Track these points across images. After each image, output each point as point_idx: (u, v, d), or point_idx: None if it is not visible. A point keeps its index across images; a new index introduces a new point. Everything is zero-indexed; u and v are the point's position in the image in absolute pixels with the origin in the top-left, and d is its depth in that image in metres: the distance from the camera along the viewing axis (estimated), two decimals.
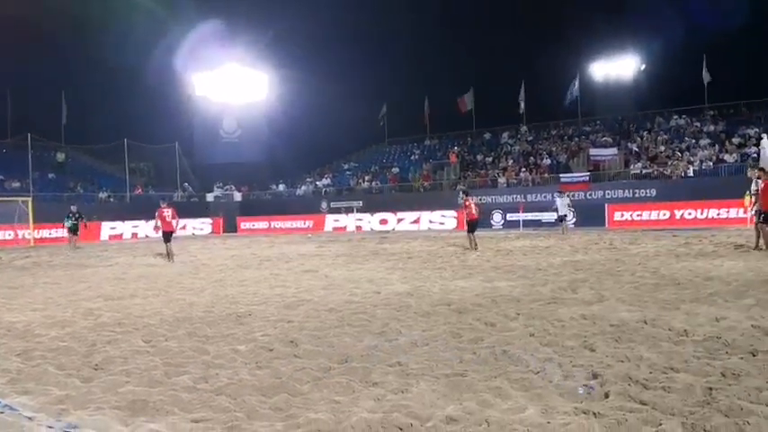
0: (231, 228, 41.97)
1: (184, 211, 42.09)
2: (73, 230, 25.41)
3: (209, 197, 46.46)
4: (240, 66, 49.74)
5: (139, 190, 44.17)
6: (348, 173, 47.78)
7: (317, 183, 46.34)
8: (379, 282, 11.74)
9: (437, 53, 52.48)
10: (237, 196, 47.12)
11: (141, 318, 8.33)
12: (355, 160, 50.17)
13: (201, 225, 41.34)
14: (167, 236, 18.96)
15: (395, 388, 4.84)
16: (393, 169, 45.09)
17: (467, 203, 19.59)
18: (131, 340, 6.93)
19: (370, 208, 38.41)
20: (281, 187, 47.73)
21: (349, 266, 15.15)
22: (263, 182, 49.17)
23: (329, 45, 49.17)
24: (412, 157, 47.75)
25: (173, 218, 19.13)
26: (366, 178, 44.60)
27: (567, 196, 26.41)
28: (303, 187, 46.25)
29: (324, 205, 40.72)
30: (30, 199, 32.72)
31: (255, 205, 45.08)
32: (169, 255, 18.63)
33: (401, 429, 3.97)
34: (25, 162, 38.06)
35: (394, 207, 37.76)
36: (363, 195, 41.14)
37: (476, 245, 18.78)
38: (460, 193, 18.96)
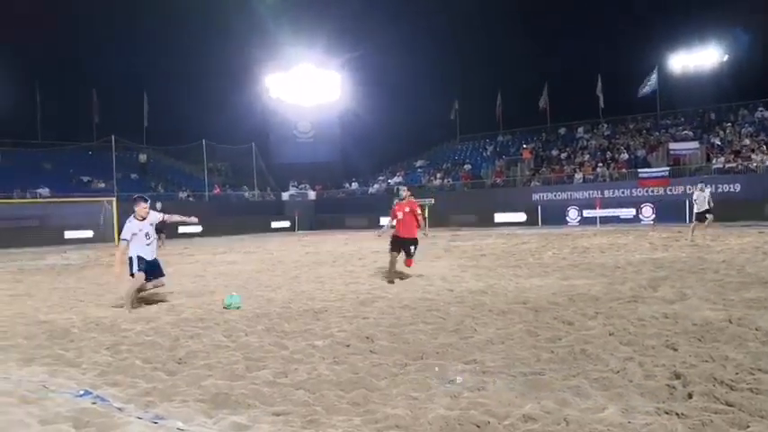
0: (306, 225, 42.69)
1: (260, 209, 43.45)
2: (159, 229, 26.11)
3: (285, 196, 47.40)
4: (313, 66, 50.50)
5: (218, 189, 45.43)
6: (420, 170, 47.80)
7: (389, 181, 46.54)
8: (452, 279, 11.70)
9: (510, 48, 51.85)
10: (312, 195, 47.91)
11: (221, 314, 8.57)
12: (427, 158, 50.13)
13: (279, 223, 42.38)
14: None
15: (471, 386, 4.84)
16: (465, 166, 44.85)
17: (397, 211, 12.40)
18: (213, 335, 7.13)
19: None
20: (354, 185, 48.19)
21: (421, 264, 15.14)
22: (337, 181, 49.80)
23: (400, 43, 49.24)
24: (484, 154, 47.38)
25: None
26: (438, 175, 44.51)
27: (708, 187, 20.84)
28: (376, 185, 46.55)
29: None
30: (114, 199, 34.08)
31: (330, 203, 45.68)
32: None
33: (478, 427, 3.97)
34: (110, 163, 39.69)
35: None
36: (435, 193, 41.07)
37: (391, 268, 12.07)
38: (400, 190, 12.64)
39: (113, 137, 40.17)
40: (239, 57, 47.98)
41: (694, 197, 20.19)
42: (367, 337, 6.68)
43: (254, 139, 48.71)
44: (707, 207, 19.59)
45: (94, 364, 6.00)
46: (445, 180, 43.49)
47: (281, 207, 45.62)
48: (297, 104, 51.79)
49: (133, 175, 43.92)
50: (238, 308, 8.90)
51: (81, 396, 4.93)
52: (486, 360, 5.56)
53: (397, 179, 46.42)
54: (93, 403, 4.74)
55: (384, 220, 40.26)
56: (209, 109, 47.83)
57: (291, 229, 42.23)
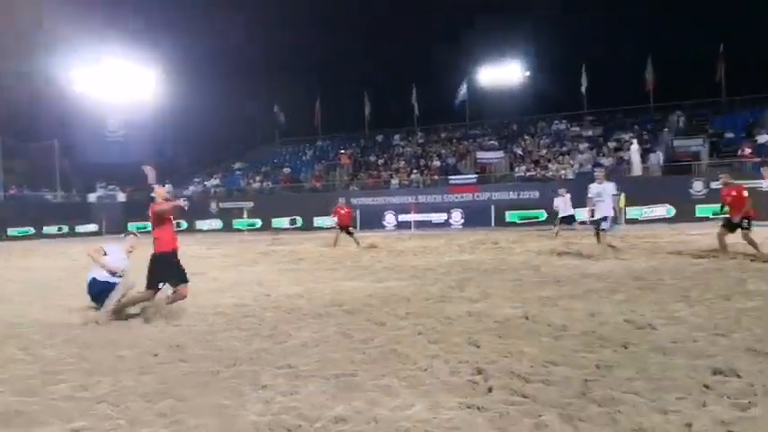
0: (115, 228, 40.34)
1: (63, 211, 40.50)
2: None
3: (92, 198, 44.54)
4: (125, 62, 47.83)
5: (14, 190, 41.81)
6: (238, 173, 46.98)
7: (206, 183, 45.25)
8: (270, 284, 11.60)
9: (329, 54, 52.62)
10: (121, 197, 45.37)
11: (15, 325, 7.86)
12: (246, 160, 49.38)
13: (84, 226, 39.73)
14: None
15: (284, 390, 4.82)
16: (284, 169, 44.74)
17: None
18: (5, 348, 6.53)
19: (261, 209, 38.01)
20: (169, 187, 46.25)
21: (238, 268, 14.92)
22: (150, 182, 47.57)
23: (220, 43, 48.23)
24: (304, 158, 47.57)
25: None
26: (257, 178, 44.01)
27: (568, 193, 22.05)
28: (191, 188, 45.05)
29: (213, 206, 39.84)
30: None
31: (141, 206, 43.49)
32: None
33: (289, 431, 3.97)
34: None
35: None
36: (254, 196, 40.57)
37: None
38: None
39: None
40: (41, 45, 44.36)
41: (555, 204, 22.06)
42: (177, 346, 6.44)
43: (57, 136, 45.27)
44: (571, 212, 21.38)
45: None
46: (264, 183, 43.10)
47: (87, 209, 42.78)
48: (106, 101, 48.74)
49: None
50: None
51: None
52: (299, 364, 5.56)
53: (214, 181, 45.27)
54: None
55: (202, 223, 39.18)
56: (4, 103, 43.78)
57: (99, 233, 39.72)
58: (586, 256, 13.97)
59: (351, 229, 21.74)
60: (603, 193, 14.32)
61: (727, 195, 13.09)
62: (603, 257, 13.54)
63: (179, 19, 47.35)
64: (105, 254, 8.76)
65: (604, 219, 14.18)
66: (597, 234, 15.07)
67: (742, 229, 12.76)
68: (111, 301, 8.15)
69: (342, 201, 22.59)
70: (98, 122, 49.46)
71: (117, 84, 48.20)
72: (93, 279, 8.66)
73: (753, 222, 12.88)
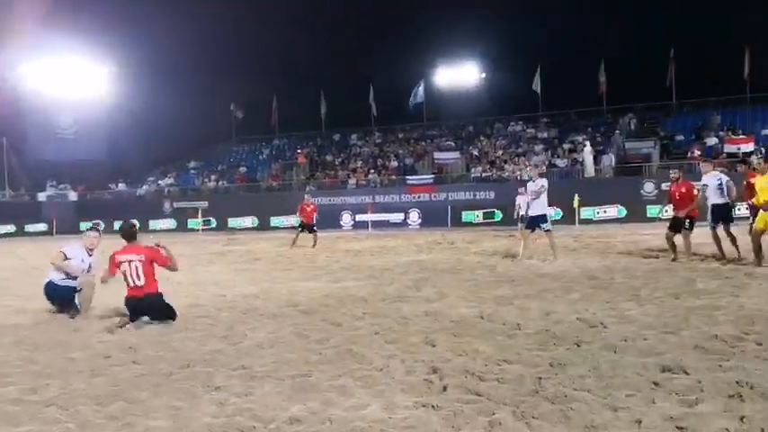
0: (66, 228, 39.40)
1: (12, 210, 39.40)
2: None
3: (42, 196, 43.46)
4: (77, 58, 46.68)
5: None
6: (193, 172, 46.32)
7: (159, 182, 44.49)
8: (226, 284, 11.49)
9: (286, 52, 52.25)
10: (73, 195, 44.34)
11: None
12: (201, 159, 48.68)
13: (34, 225, 38.77)
14: None
15: (238, 392, 4.78)
16: (241, 168, 44.29)
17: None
18: None
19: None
20: (122, 186, 45.35)
21: (194, 269, 14.70)
22: (102, 181, 46.50)
23: (175, 39, 47.38)
24: (260, 157, 47.16)
25: None
26: (212, 178, 43.47)
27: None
28: (145, 187, 44.27)
29: (167, 206, 39.21)
30: None
31: (93, 205, 42.60)
32: None
33: None
34: None
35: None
36: (210, 196, 40.08)
37: None
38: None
39: None
40: None
41: (518, 202, 20.55)
42: (130, 347, 6.34)
43: (6, 133, 44.02)
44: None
45: None
46: (220, 182, 42.61)
47: (37, 209, 41.74)
48: (57, 97, 47.48)
49: None
50: None
51: None
52: (254, 365, 5.52)
53: (168, 180, 44.56)
54: None
55: (155, 223, 38.42)
56: None
57: (49, 232, 38.76)
58: (540, 258, 14.12)
59: (314, 227, 20.72)
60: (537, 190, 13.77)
61: (676, 191, 13.21)
62: (556, 258, 13.63)
63: (133, 14, 46.40)
64: (66, 257, 8.53)
65: (544, 219, 13.86)
66: (525, 232, 14.31)
67: (683, 229, 12.90)
68: (84, 299, 8.19)
69: (308, 197, 21.77)
70: (49, 120, 48.24)
71: (68, 80, 47.02)
72: (50, 282, 8.48)
73: (695, 223, 13.03)
